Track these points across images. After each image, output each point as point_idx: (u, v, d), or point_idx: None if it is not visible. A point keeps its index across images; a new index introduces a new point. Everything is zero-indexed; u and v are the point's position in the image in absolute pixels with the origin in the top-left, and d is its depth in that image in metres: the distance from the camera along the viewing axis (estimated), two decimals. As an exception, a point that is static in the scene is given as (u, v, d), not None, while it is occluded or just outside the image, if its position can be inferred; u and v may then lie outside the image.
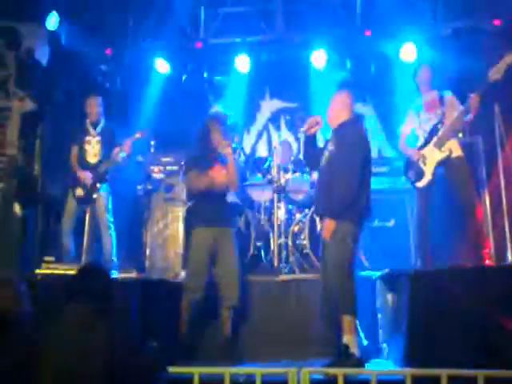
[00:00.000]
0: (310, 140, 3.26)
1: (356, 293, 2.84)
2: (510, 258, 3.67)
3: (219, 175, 3.39)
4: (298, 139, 5.38)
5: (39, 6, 4.59)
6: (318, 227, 4.03)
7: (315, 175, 4.07)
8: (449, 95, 3.73)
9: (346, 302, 2.82)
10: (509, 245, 3.69)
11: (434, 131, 3.65)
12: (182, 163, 4.17)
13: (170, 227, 4.61)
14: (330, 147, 3.06)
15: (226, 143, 3.38)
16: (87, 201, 4.08)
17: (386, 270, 3.38)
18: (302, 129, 3.27)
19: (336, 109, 3.13)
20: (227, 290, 3.24)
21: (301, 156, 4.35)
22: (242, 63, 5.33)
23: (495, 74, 3.26)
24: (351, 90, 3.25)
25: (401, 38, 4.97)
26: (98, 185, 4.09)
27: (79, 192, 4.07)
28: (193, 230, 3.41)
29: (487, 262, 3.46)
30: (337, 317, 2.85)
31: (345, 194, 2.89)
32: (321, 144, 3.36)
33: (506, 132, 3.30)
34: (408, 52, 4.97)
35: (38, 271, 3.49)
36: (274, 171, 4.32)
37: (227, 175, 3.38)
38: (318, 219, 4.02)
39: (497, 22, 4.48)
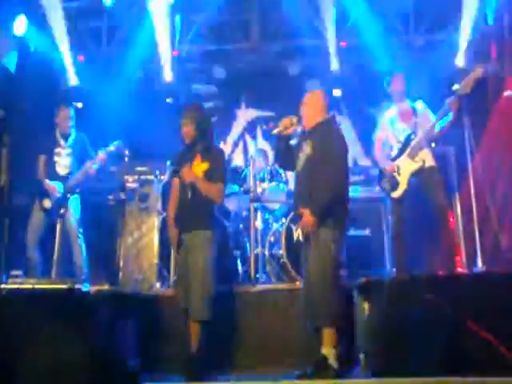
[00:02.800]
0: (285, 141, 3.15)
1: (339, 304, 2.77)
2: (480, 264, 3.75)
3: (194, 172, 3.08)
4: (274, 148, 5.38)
5: (5, 10, 4.47)
6: (295, 236, 4.03)
7: (291, 185, 4.06)
8: (421, 106, 3.80)
9: (327, 314, 2.74)
10: (479, 252, 3.78)
11: (407, 141, 3.71)
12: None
13: (144, 238, 4.51)
14: (307, 150, 2.96)
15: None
16: (55, 213, 3.97)
17: (362, 279, 3.40)
18: (274, 131, 3.15)
19: (310, 109, 3.03)
20: (192, 302, 2.94)
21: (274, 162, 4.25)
22: (218, 72, 5.33)
23: (463, 88, 3.34)
24: (325, 90, 3.17)
25: (375, 49, 5.06)
26: (67, 197, 3.99)
27: (47, 204, 3.96)
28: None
29: (459, 269, 3.53)
30: (317, 326, 2.79)
31: (330, 194, 2.80)
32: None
33: (476, 143, 3.40)
34: (381, 63, 5.08)
35: (3, 286, 3.34)
36: (250, 181, 4.30)
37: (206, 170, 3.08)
38: (294, 228, 4.01)
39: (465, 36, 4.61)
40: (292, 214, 3.74)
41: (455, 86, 3.75)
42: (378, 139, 3.95)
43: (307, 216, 2.81)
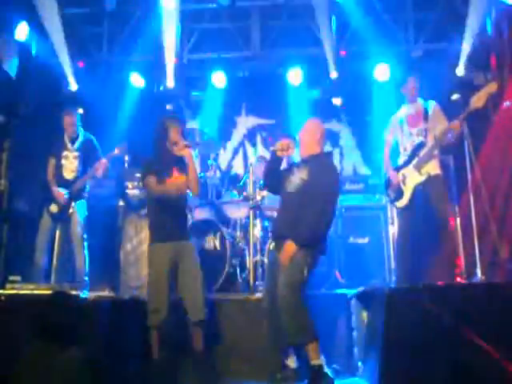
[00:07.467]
0: (277, 162, 3.18)
1: (310, 318, 2.80)
2: (479, 274, 3.74)
3: (177, 184, 3.12)
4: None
5: (8, 16, 4.49)
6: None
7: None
8: (434, 108, 3.68)
9: (305, 332, 2.77)
10: (478, 261, 3.78)
11: (415, 152, 3.64)
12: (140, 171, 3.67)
13: (143, 244, 4.49)
14: (301, 175, 3.04)
15: (183, 144, 3.12)
16: (62, 217, 3.96)
17: (361, 288, 3.39)
18: (272, 147, 3.19)
19: (309, 138, 3.12)
20: (193, 306, 3.07)
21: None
22: (219, 79, 5.35)
23: (477, 102, 3.25)
24: (322, 121, 3.28)
25: (374, 58, 5.10)
26: (73, 201, 3.98)
27: (54, 208, 3.95)
28: (149, 246, 3.19)
29: (458, 279, 3.52)
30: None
31: (321, 224, 2.90)
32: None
33: (475, 152, 3.40)
34: (381, 72, 5.11)
35: (1, 291, 3.33)
36: (249, 188, 4.30)
37: (186, 181, 3.14)
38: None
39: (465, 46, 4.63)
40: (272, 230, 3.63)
41: (454, 96, 3.74)
42: (387, 142, 3.90)
43: (289, 249, 2.86)
